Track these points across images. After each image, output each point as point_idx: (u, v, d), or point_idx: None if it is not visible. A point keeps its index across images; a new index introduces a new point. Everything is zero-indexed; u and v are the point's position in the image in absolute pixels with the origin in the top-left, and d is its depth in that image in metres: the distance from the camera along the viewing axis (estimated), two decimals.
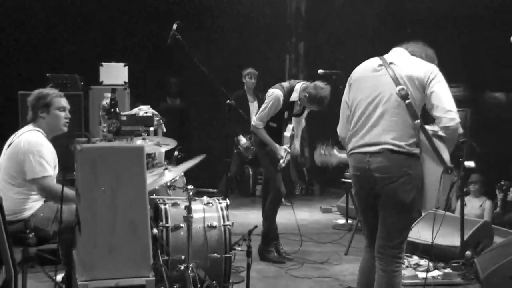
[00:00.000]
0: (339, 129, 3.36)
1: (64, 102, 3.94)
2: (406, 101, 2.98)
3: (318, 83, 5.09)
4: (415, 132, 3.01)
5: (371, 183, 3.08)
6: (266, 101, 5.19)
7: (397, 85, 3.02)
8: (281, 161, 5.11)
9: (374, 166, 3.03)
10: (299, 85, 5.19)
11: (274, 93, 5.15)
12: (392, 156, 3.00)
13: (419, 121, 2.98)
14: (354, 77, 3.27)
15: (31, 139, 3.78)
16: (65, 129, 3.94)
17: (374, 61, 3.21)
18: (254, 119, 5.30)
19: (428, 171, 3.03)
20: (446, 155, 3.02)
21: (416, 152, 3.02)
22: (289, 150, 5.20)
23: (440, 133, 3.00)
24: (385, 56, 3.21)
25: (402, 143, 2.99)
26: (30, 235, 3.63)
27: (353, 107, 3.19)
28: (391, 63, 3.12)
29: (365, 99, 3.12)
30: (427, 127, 3.01)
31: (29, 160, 3.70)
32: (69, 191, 3.42)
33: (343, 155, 3.58)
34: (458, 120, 2.99)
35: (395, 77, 3.04)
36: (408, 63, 3.12)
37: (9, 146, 3.85)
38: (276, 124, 5.22)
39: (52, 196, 3.76)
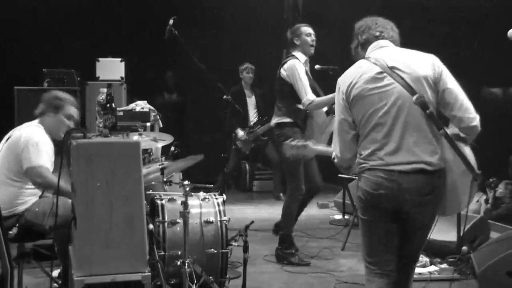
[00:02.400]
0: (340, 152, 2.87)
1: (74, 112, 4.00)
2: (428, 111, 2.65)
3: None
4: (438, 143, 2.71)
5: (397, 205, 2.70)
6: (292, 77, 4.93)
7: (412, 94, 2.67)
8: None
9: (405, 186, 2.67)
10: (295, 52, 5.10)
11: (290, 63, 4.97)
12: (425, 176, 2.67)
13: (443, 130, 2.68)
14: (353, 93, 2.77)
15: (32, 132, 3.84)
16: (62, 136, 3.97)
17: (369, 69, 2.77)
18: (304, 101, 4.86)
19: (455, 183, 2.73)
20: (473, 161, 2.71)
21: (444, 167, 2.72)
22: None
23: (462, 135, 2.74)
24: (378, 58, 2.79)
25: (433, 160, 2.68)
26: (13, 230, 3.64)
27: (364, 120, 2.75)
28: (393, 68, 2.73)
29: (378, 111, 2.72)
30: (448, 131, 2.72)
31: (27, 150, 3.73)
32: (63, 185, 3.42)
33: (319, 147, 3.20)
34: (478, 117, 2.72)
35: (406, 85, 2.69)
36: (408, 62, 2.75)
37: (7, 139, 3.87)
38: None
39: (47, 186, 3.75)
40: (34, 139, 3.79)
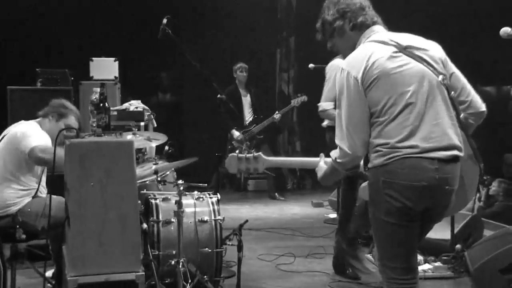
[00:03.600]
0: (352, 148, 2.45)
1: (74, 124, 4.00)
2: (452, 93, 2.46)
3: None
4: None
5: (435, 197, 2.41)
6: (328, 74, 4.55)
7: (436, 74, 2.44)
8: None
9: (445, 176, 2.38)
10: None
11: (334, 62, 4.57)
12: (458, 164, 2.45)
13: (460, 115, 2.50)
14: (373, 74, 2.40)
15: (29, 126, 3.86)
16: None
17: (381, 49, 2.45)
18: (320, 104, 4.48)
19: (464, 175, 2.53)
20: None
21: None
22: None
23: (471, 121, 2.57)
24: (386, 39, 2.50)
25: (461, 145, 2.46)
26: (18, 230, 3.62)
27: (390, 103, 2.39)
28: (408, 47, 2.46)
29: (406, 91, 2.39)
30: None
31: (26, 139, 3.72)
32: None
33: (273, 158, 2.86)
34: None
35: (428, 64, 2.45)
36: (421, 42, 2.52)
37: (3, 137, 3.87)
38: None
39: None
40: (30, 131, 3.80)
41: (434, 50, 2.52)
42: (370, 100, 2.43)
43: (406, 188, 2.36)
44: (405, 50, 2.45)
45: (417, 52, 2.46)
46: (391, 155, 2.37)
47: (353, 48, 2.58)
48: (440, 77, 2.43)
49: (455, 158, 2.41)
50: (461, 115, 2.54)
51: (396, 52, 2.44)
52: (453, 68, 2.57)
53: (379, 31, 2.58)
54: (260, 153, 2.84)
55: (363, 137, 2.45)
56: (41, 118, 3.97)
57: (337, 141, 2.49)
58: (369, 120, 2.44)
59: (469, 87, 2.58)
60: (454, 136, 2.43)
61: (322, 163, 2.72)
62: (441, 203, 2.46)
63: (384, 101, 2.40)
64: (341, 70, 2.48)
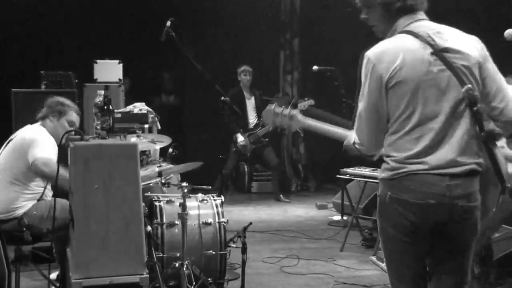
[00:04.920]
0: (368, 143, 2.37)
1: (75, 118, 4.03)
2: (475, 108, 2.18)
3: None
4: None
5: (450, 213, 2.24)
6: None
7: (461, 84, 2.19)
8: None
9: (459, 192, 2.21)
10: None
11: None
12: (476, 180, 2.27)
13: (484, 133, 2.23)
14: (399, 76, 2.22)
15: (36, 131, 3.87)
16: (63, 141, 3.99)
17: (418, 48, 2.23)
18: None
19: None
20: (505, 169, 2.28)
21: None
22: None
23: (496, 130, 2.30)
24: (424, 33, 2.25)
25: (481, 161, 2.27)
26: (25, 232, 3.62)
27: (408, 112, 2.23)
28: (445, 50, 2.22)
29: (429, 102, 2.22)
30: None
31: (33, 146, 3.75)
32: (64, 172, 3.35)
33: (308, 122, 2.60)
34: None
35: (457, 73, 2.20)
36: (459, 43, 2.26)
37: (9, 142, 3.87)
38: None
39: (54, 176, 3.67)
40: (39, 136, 3.82)
41: (470, 51, 2.24)
42: (389, 103, 2.26)
43: (412, 205, 2.24)
44: (440, 52, 2.21)
45: (451, 56, 2.22)
46: (398, 171, 2.25)
47: (387, 30, 2.35)
48: (464, 88, 2.18)
49: (471, 172, 2.24)
50: (489, 125, 2.28)
51: (431, 54, 2.21)
52: (489, 69, 2.29)
53: (418, 19, 2.30)
54: (296, 111, 2.64)
55: (379, 136, 2.32)
56: (42, 120, 3.96)
57: (355, 131, 2.40)
58: (386, 121, 2.29)
59: (505, 91, 2.29)
60: (471, 151, 2.23)
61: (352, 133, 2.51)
62: (453, 220, 2.24)
63: (401, 109, 2.24)
64: (367, 59, 2.28)
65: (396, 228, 2.30)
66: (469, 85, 2.18)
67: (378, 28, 2.40)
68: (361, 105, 2.34)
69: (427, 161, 2.22)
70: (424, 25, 2.29)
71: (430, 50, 2.22)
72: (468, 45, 2.27)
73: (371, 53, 2.28)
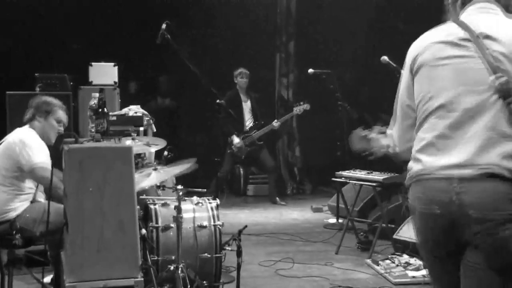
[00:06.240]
0: (398, 143, 2.22)
1: (63, 116, 4.01)
2: (508, 100, 1.87)
3: None
4: None
5: (459, 225, 1.91)
6: None
7: (494, 72, 1.90)
8: None
9: (468, 199, 1.87)
10: None
11: None
12: (501, 185, 1.85)
13: None
14: (420, 61, 2.06)
15: (25, 135, 3.84)
16: (53, 140, 3.97)
17: (452, 31, 2.02)
18: None
19: None
20: None
21: None
22: None
23: None
24: (469, 19, 2.03)
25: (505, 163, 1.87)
26: (17, 236, 3.60)
27: (421, 106, 2.05)
28: (483, 35, 1.96)
29: (443, 95, 1.99)
30: None
31: (25, 151, 3.72)
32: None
33: (386, 141, 2.35)
34: None
35: (491, 60, 1.91)
36: (507, 31, 1.96)
37: (0, 144, 3.86)
38: None
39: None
40: (29, 140, 3.79)
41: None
42: (415, 92, 2.09)
43: (420, 213, 2.03)
44: (477, 37, 1.95)
45: (488, 43, 1.94)
46: (410, 174, 2.05)
47: None
48: (493, 76, 1.90)
49: (489, 176, 1.86)
50: None
51: (464, 40, 1.98)
52: None
53: (481, 7, 2.06)
54: (374, 133, 2.46)
55: (406, 132, 2.16)
56: (30, 122, 3.94)
57: (393, 131, 2.25)
58: (416, 112, 2.10)
59: None
60: (493, 152, 1.88)
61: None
62: (465, 233, 1.91)
63: (420, 96, 2.05)
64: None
65: (420, 244, 2.07)
66: (498, 74, 1.89)
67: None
68: (397, 101, 2.21)
69: (435, 161, 1.96)
70: (482, 15, 2.04)
71: (462, 34, 1.99)
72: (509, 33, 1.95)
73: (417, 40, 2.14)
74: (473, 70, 1.94)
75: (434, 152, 1.98)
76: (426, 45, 2.06)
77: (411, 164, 2.07)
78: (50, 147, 3.94)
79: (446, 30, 2.04)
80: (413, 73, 2.08)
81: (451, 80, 1.97)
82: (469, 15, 2.05)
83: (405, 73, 2.12)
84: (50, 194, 3.21)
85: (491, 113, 1.90)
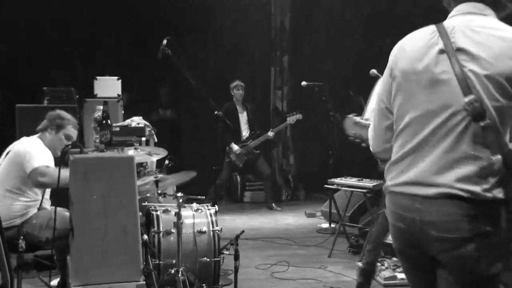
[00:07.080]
0: (372, 142, 2.11)
1: (73, 133, 4.03)
2: (482, 123, 1.72)
3: None
4: (497, 166, 1.72)
5: (422, 242, 1.84)
6: None
7: (465, 94, 1.75)
8: None
9: (429, 218, 1.80)
10: None
11: None
12: (459, 206, 1.75)
13: (499, 157, 1.72)
14: (400, 66, 1.91)
15: (32, 143, 3.85)
16: (59, 153, 3.97)
17: (432, 41, 1.86)
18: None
19: None
20: None
21: (500, 197, 1.74)
22: None
23: None
24: (451, 27, 1.84)
25: (476, 187, 1.74)
26: (20, 241, 3.59)
27: (397, 118, 1.94)
28: (460, 50, 1.79)
29: (415, 109, 1.87)
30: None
31: (29, 156, 3.72)
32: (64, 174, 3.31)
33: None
34: None
35: (463, 79, 1.75)
36: (488, 48, 1.76)
37: (7, 153, 3.86)
38: None
39: (52, 181, 3.57)
40: (35, 147, 3.80)
41: (500, 61, 1.74)
42: (392, 98, 1.95)
43: (392, 225, 1.96)
44: (454, 52, 1.79)
45: (463, 59, 1.77)
46: (384, 185, 1.98)
47: None
48: (466, 98, 1.74)
49: (447, 197, 1.76)
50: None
51: (442, 52, 1.82)
52: None
53: (468, 12, 1.88)
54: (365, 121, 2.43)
55: (381, 133, 2.02)
56: (41, 132, 3.96)
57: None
58: (392, 117, 1.97)
59: None
60: (453, 173, 1.77)
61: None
62: (430, 250, 1.83)
63: (396, 106, 1.92)
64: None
65: (399, 251, 1.98)
66: (471, 97, 1.73)
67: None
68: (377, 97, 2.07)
69: (400, 174, 1.89)
70: (467, 19, 1.86)
71: (441, 46, 1.82)
72: (501, 52, 1.75)
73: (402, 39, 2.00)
74: (445, 88, 1.80)
75: (402, 168, 1.89)
76: (408, 50, 1.91)
77: (385, 173, 1.98)
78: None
79: (428, 37, 1.87)
80: (392, 78, 1.94)
81: (423, 97, 1.85)
82: (453, 16, 1.91)
83: (386, 74, 1.98)
84: (56, 197, 3.19)
85: (457, 133, 1.78)
